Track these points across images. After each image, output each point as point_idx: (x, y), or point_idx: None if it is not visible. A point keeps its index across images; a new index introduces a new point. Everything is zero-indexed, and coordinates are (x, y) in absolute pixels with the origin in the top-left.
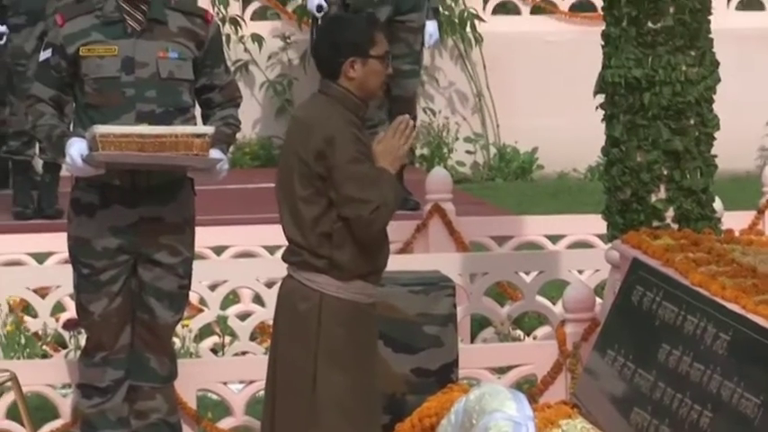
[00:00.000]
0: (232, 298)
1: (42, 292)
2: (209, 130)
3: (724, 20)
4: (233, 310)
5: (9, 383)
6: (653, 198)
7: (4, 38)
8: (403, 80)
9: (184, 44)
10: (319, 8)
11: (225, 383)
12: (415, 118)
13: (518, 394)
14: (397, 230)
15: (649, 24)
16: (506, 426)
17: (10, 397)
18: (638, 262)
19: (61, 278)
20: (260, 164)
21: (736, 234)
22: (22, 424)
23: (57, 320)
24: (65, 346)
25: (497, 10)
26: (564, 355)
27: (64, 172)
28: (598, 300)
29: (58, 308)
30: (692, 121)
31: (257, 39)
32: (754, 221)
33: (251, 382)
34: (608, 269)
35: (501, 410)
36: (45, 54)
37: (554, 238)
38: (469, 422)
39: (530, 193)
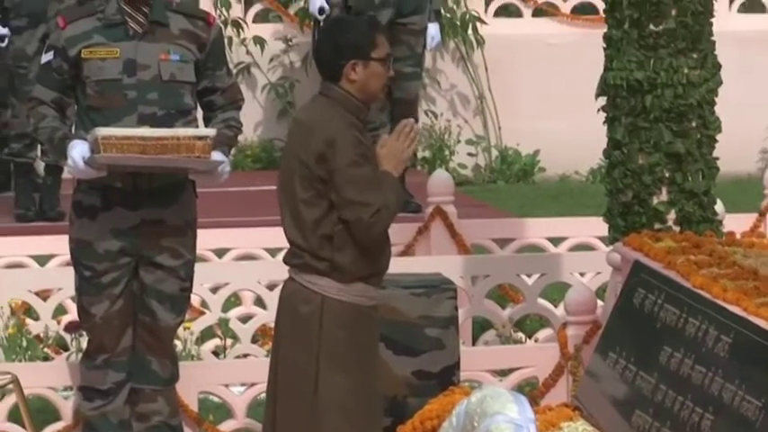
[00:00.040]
0: (233, 300)
1: (44, 295)
2: (211, 132)
3: (726, 22)
4: (234, 313)
5: (11, 386)
6: (654, 200)
7: (6, 40)
8: (405, 83)
9: (186, 46)
10: (321, 11)
11: (226, 386)
12: (416, 120)
13: (519, 397)
14: (399, 233)
15: (651, 27)
16: (508, 428)
17: (11, 399)
18: (640, 264)
19: (63, 280)
20: (261, 166)
21: (738, 236)
22: (24, 426)
23: (58, 323)
24: (66, 349)
25: (499, 12)
26: (565, 357)
27: (65, 174)
28: (599, 302)
29: (60, 310)
30: (693, 124)
31: (259, 41)
32: (756, 224)
33: (252, 384)
34: (609, 272)
35: (502, 413)
36: (47, 56)
37: (556, 241)
38: (471, 425)
39: (531, 195)
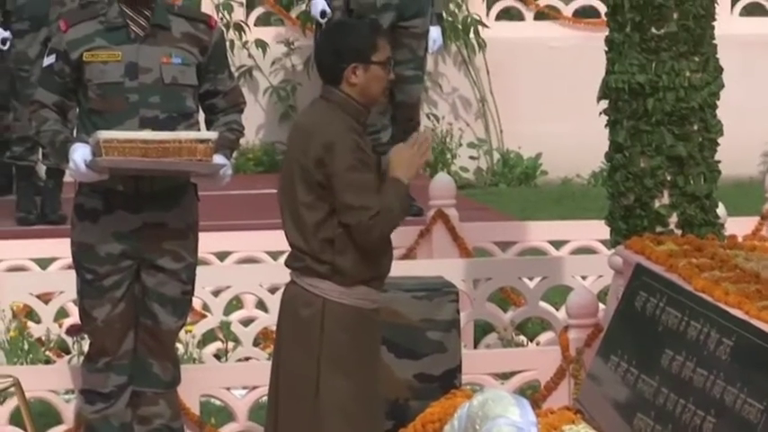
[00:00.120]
0: (235, 303)
1: (45, 298)
2: (213, 135)
3: (728, 26)
4: (236, 316)
5: (12, 389)
6: (656, 204)
7: (8, 43)
8: (406, 86)
9: (188, 50)
10: (323, 14)
11: (228, 389)
12: (418, 124)
13: (521, 400)
14: (401, 236)
15: (653, 30)
16: (510, 431)
17: (13, 402)
18: (642, 267)
19: (64, 284)
20: (263, 169)
21: (740, 240)
22: (25, 430)
23: (60, 326)
24: (68, 352)
25: (501, 16)
26: (567, 360)
27: (67, 177)
28: (601, 305)
29: (62, 313)
30: (695, 127)
31: (261, 44)
32: (758, 227)
33: (254, 387)
34: (611, 275)
35: (504, 416)
36: (48, 59)
37: (557, 244)
38: (473, 428)
39: (533, 198)
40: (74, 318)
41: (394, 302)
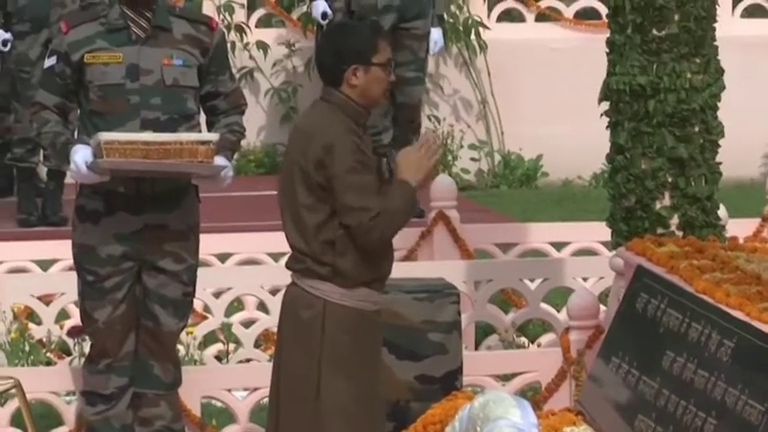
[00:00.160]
0: (236, 305)
1: (47, 300)
2: (214, 137)
3: (729, 27)
4: (237, 318)
5: (13, 391)
6: (657, 205)
7: (9, 45)
8: (408, 87)
9: (189, 51)
10: (324, 15)
11: (229, 390)
12: (419, 125)
13: (522, 401)
14: (402, 238)
15: (654, 32)
16: None
17: (14, 404)
18: (643, 269)
19: (65, 285)
20: (264, 171)
21: (741, 241)
22: (26, 431)
23: (61, 327)
24: (69, 354)
25: (502, 17)
26: (568, 362)
27: (68, 179)
28: (602, 307)
29: (63, 315)
30: (696, 129)
31: (262, 46)
32: (759, 229)
33: (255, 389)
34: (612, 276)
35: (505, 418)
36: (50, 61)
37: (558, 246)
38: (474, 429)
39: (534, 200)
40: (75, 319)
41: (395, 304)
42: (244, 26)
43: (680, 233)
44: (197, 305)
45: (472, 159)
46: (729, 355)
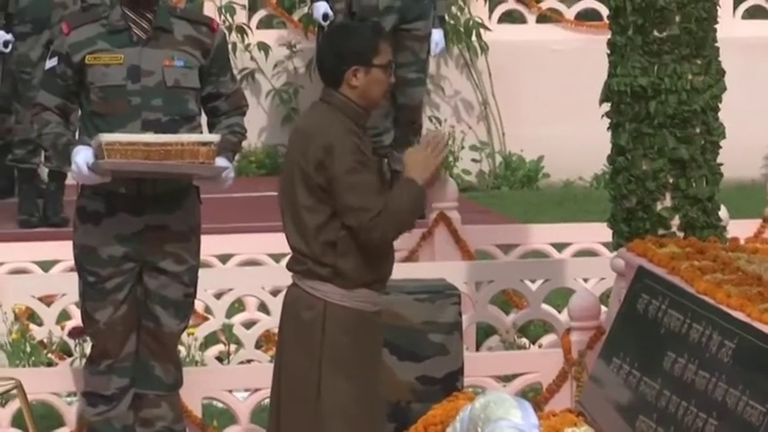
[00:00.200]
0: (237, 306)
1: (48, 300)
2: (215, 138)
3: (730, 29)
4: (238, 319)
5: (14, 391)
6: (658, 206)
7: (10, 46)
8: (409, 89)
9: (190, 52)
10: (325, 17)
11: (230, 391)
12: (420, 126)
13: (523, 402)
14: (403, 238)
15: (655, 33)
16: None
17: (15, 405)
18: (644, 270)
19: (66, 286)
20: (266, 172)
21: (742, 242)
22: None
23: (62, 328)
24: (70, 355)
25: (503, 19)
26: (569, 363)
27: (69, 180)
28: (603, 308)
29: (64, 316)
30: (697, 130)
31: (263, 47)
32: (760, 230)
33: (256, 390)
34: (613, 277)
35: (506, 418)
36: (51, 62)
37: (559, 247)
38: (475, 430)
39: (535, 201)
40: (76, 320)
41: (396, 305)
42: (245, 27)
43: (681, 234)
44: (198, 306)
45: (473, 160)
46: (730, 356)
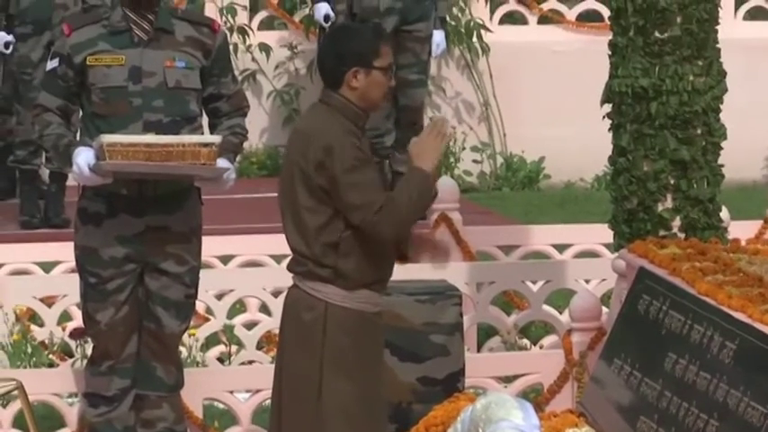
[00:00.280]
0: (239, 307)
1: (49, 301)
2: (217, 139)
3: (731, 30)
4: (239, 320)
5: (15, 392)
6: (659, 207)
7: (11, 47)
8: (410, 90)
9: (191, 53)
10: (326, 18)
11: (231, 392)
12: (421, 128)
13: (524, 403)
14: None
15: (656, 34)
16: None
17: (16, 406)
18: (645, 271)
19: (68, 287)
20: (267, 173)
21: (743, 243)
22: None
23: (63, 329)
24: (71, 355)
25: (504, 20)
26: (570, 364)
27: (70, 181)
28: (604, 309)
29: (65, 317)
30: (698, 131)
31: (265, 48)
32: (761, 231)
33: (257, 390)
34: (614, 278)
35: (507, 419)
36: (52, 63)
37: (561, 248)
38: (476, 431)
39: (536, 202)
40: (77, 321)
41: (397, 306)
42: (246, 28)
43: (682, 235)
44: (199, 307)
45: (474, 161)
46: (731, 357)
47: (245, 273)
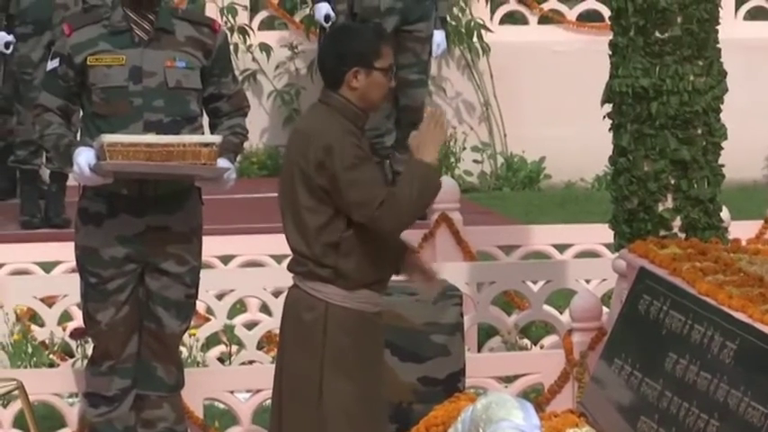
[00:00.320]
0: (239, 307)
1: (49, 301)
2: (217, 139)
3: (732, 30)
4: (240, 320)
5: (16, 392)
6: (660, 207)
7: (11, 47)
8: (411, 90)
9: (192, 53)
10: (327, 18)
11: (232, 392)
12: None
13: (525, 403)
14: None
15: (657, 34)
16: None
17: (17, 406)
18: (645, 271)
19: (68, 287)
20: (267, 173)
21: (743, 243)
22: None
23: (64, 329)
24: (72, 355)
25: (504, 20)
26: (571, 364)
27: (71, 181)
28: (605, 309)
29: (65, 317)
30: (699, 131)
31: (265, 48)
32: (761, 231)
33: (258, 390)
34: (615, 278)
35: (508, 419)
36: (52, 63)
37: (561, 248)
38: (476, 431)
39: (537, 202)
40: (77, 321)
41: (397, 306)
42: (247, 28)
43: (682, 235)
44: (200, 307)
45: (475, 161)
46: (732, 357)
47: (245, 273)
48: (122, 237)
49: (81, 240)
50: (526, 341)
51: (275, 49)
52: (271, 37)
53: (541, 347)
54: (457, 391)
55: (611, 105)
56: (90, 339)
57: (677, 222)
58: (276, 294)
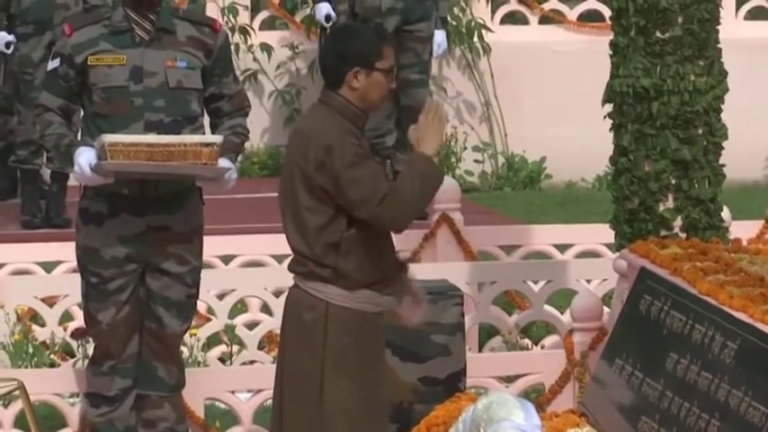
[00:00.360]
0: (240, 307)
1: (50, 301)
2: (218, 139)
3: (732, 30)
4: (241, 319)
5: (17, 392)
6: (661, 207)
7: (12, 47)
8: (412, 90)
9: (193, 53)
10: (328, 18)
11: (233, 392)
12: None
13: (526, 403)
14: (405, 240)
15: (658, 34)
16: None
17: (18, 406)
18: (646, 271)
19: (69, 287)
20: (268, 173)
21: (744, 243)
22: None
23: (64, 329)
24: (72, 355)
25: (505, 20)
26: (572, 364)
27: (72, 181)
28: (606, 309)
29: (66, 317)
30: (700, 131)
31: (266, 48)
32: (762, 231)
33: (259, 390)
34: (616, 278)
35: (509, 419)
36: (53, 63)
37: (562, 248)
38: (477, 431)
39: (538, 202)
40: (78, 321)
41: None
42: (247, 28)
43: (683, 235)
44: (200, 307)
45: (476, 161)
46: (733, 357)
47: (246, 273)
48: (123, 237)
49: (82, 240)
50: (527, 341)
51: (276, 49)
52: (272, 37)
53: (542, 347)
54: (458, 391)
55: (611, 105)
56: (91, 339)
57: (678, 222)
58: (277, 294)
